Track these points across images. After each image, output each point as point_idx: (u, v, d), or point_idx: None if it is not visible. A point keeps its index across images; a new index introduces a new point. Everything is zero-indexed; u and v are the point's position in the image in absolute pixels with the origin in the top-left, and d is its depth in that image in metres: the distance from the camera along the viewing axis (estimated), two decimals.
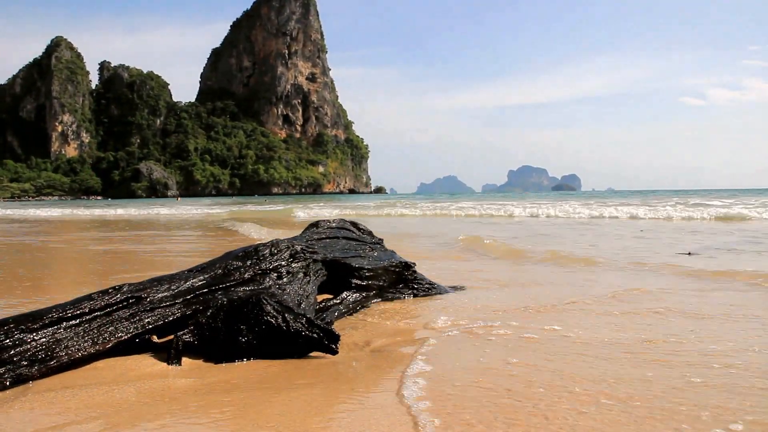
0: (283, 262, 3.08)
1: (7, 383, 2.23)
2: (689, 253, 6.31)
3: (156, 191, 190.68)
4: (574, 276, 5.09)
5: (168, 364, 2.53)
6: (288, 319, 2.65)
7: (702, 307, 3.55)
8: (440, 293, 4.09)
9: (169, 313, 2.67)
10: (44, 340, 2.35)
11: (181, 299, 2.72)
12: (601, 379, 2.23)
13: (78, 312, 2.48)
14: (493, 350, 2.67)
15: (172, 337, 2.64)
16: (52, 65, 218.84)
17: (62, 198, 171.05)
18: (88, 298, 2.56)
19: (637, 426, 1.80)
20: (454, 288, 4.32)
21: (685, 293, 4.06)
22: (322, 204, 33.27)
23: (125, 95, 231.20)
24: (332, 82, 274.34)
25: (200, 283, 2.82)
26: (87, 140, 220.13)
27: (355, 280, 3.62)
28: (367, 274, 3.68)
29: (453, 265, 5.98)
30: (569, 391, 2.11)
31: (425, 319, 3.33)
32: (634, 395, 2.05)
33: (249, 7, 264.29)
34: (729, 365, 2.38)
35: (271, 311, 2.65)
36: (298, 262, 3.16)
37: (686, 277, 4.78)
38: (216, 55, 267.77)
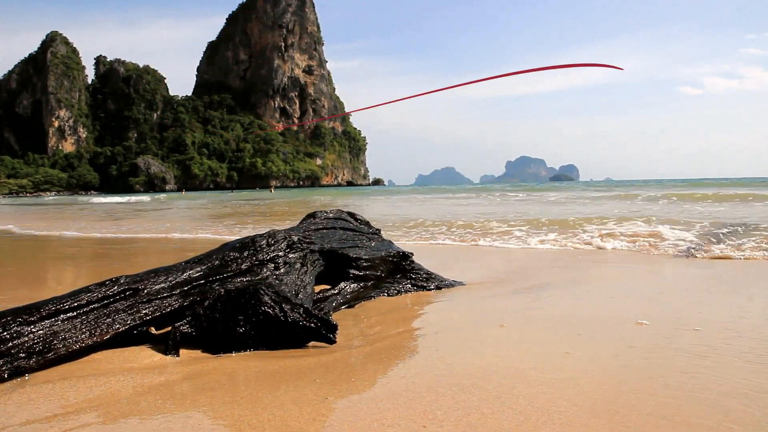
0: (280, 253, 3.08)
1: (5, 375, 2.23)
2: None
3: (154, 186, 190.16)
4: None
5: (166, 355, 2.53)
6: (285, 309, 2.65)
7: None
8: (438, 284, 4.07)
9: (167, 305, 2.67)
10: (42, 332, 2.35)
11: (178, 290, 2.72)
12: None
13: (75, 304, 2.47)
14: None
15: (169, 328, 2.64)
16: (47, 60, 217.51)
17: (60, 193, 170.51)
18: (86, 290, 2.56)
19: None
20: (454, 281, 4.29)
21: None
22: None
23: (122, 90, 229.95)
24: (329, 74, 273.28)
25: (197, 274, 2.81)
26: (84, 135, 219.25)
27: (352, 271, 3.61)
28: (364, 264, 3.67)
29: None
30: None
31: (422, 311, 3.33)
32: None
33: (245, 0, 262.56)
34: None
35: (269, 301, 2.65)
36: (295, 253, 3.16)
37: None
38: (212, 49, 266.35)
